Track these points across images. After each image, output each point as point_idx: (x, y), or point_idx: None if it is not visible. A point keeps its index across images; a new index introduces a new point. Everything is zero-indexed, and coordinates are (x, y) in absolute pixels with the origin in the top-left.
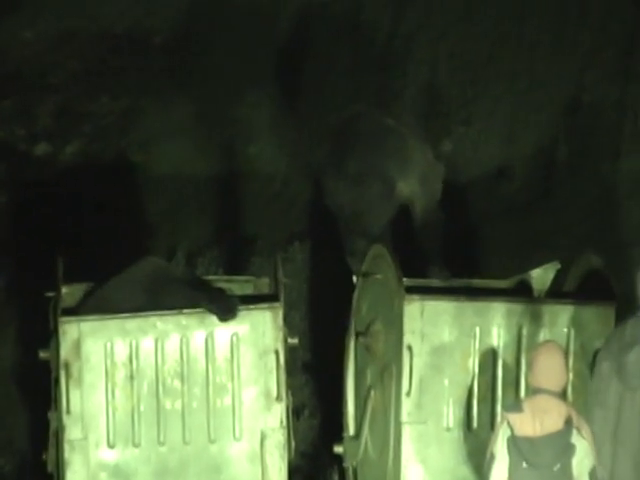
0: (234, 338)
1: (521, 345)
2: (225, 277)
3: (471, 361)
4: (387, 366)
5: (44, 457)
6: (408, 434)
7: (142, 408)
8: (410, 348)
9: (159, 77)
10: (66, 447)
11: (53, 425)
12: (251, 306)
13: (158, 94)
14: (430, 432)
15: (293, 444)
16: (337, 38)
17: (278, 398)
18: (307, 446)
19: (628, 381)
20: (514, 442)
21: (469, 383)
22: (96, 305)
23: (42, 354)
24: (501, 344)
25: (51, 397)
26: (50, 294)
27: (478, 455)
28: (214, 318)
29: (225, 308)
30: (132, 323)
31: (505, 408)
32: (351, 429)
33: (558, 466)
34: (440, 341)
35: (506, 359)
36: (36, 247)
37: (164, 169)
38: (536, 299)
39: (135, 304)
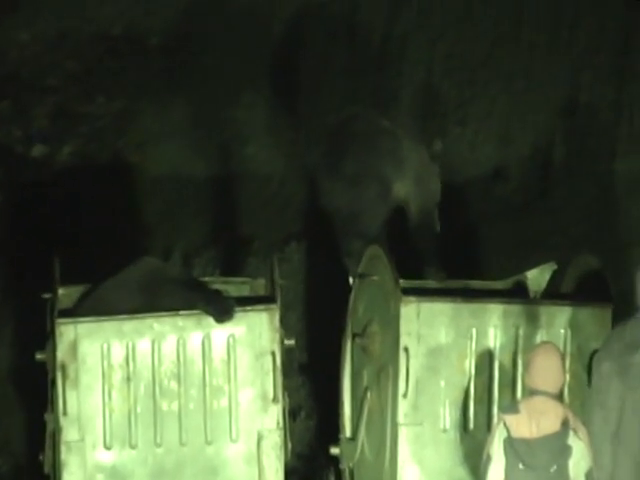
0: (230, 339)
1: (518, 346)
2: (221, 278)
3: (467, 362)
4: (383, 367)
5: (41, 458)
6: (404, 435)
7: (139, 409)
8: (406, 349)
9: (156, 78)
10: (63, 448)
11: (50, 426)
12: (247, 307)
13: (155, 95)
14: (426, 433)
15: (290, 445)
16: (333, 39)
17: (274, 399)
18: (303, 447)
19: (632, 382)
20: (510, 443)
21: (466, 384)
22: (92, 306)
23: (39, 355)
24: (498, 345)
25: (48, 398)
26: (47, 295)
27: (474, 457)
28: (211, 319)
29: (221, 309)
30: (129, 324)
31: (502, 409)
32: (347, 430)
33: (554, 468)
34: (436, 342)
35: (503, 360)
36: (33, 248)
37: (161, 170)
38: (533, 300)
39: (131, 305)
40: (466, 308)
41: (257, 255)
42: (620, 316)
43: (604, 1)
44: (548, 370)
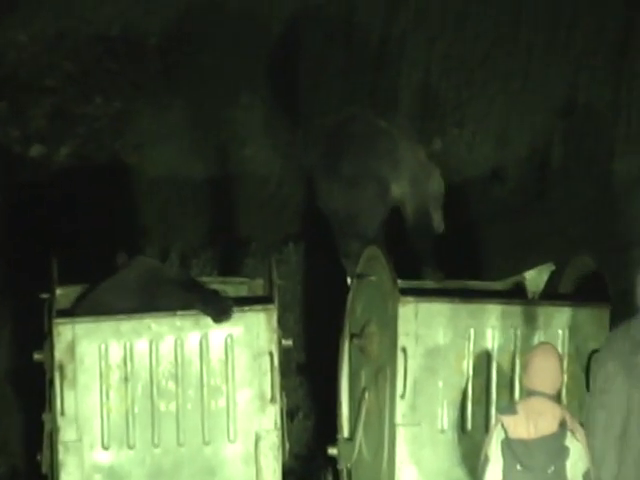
0: (228, 340)
1: (516, 347)
2: (219, 279)
3: (465, 363)
4: (381, 368)
5: (38, 458)
6: (402, 436)
7: (136, 410)
8: (404, 350)
9: (154, 79)
10: (60, 449)
11: (47, 427)
12: (245, 308)
13: (153, 96)
14: (424, 434)
15: (287, 446)
16: (331, 40)
17: (272, 400)
18: (301, 448)
19: (637, 381)
20: (508, 444)
21: (463, 385)
22: (90, 307)
23: (36, 356)
24: (495, 346)
25: (45, 399)
26: (44, 296)
27: (472, 457)
28: (208, 320)
29: (219, 310)
30: (126, 325)
31: (499, 410)
32: (345, 431)
33: (552, 469)
34: (434, 343)
35: (500, 361)
36: (30, 248)
37: (158, 171)
38: (531, 301)
39: (129, 306)
40: (464, 309)
41: (255, 256)
42: (618, 317)
43: (602, 2)
44: (546, 371)
